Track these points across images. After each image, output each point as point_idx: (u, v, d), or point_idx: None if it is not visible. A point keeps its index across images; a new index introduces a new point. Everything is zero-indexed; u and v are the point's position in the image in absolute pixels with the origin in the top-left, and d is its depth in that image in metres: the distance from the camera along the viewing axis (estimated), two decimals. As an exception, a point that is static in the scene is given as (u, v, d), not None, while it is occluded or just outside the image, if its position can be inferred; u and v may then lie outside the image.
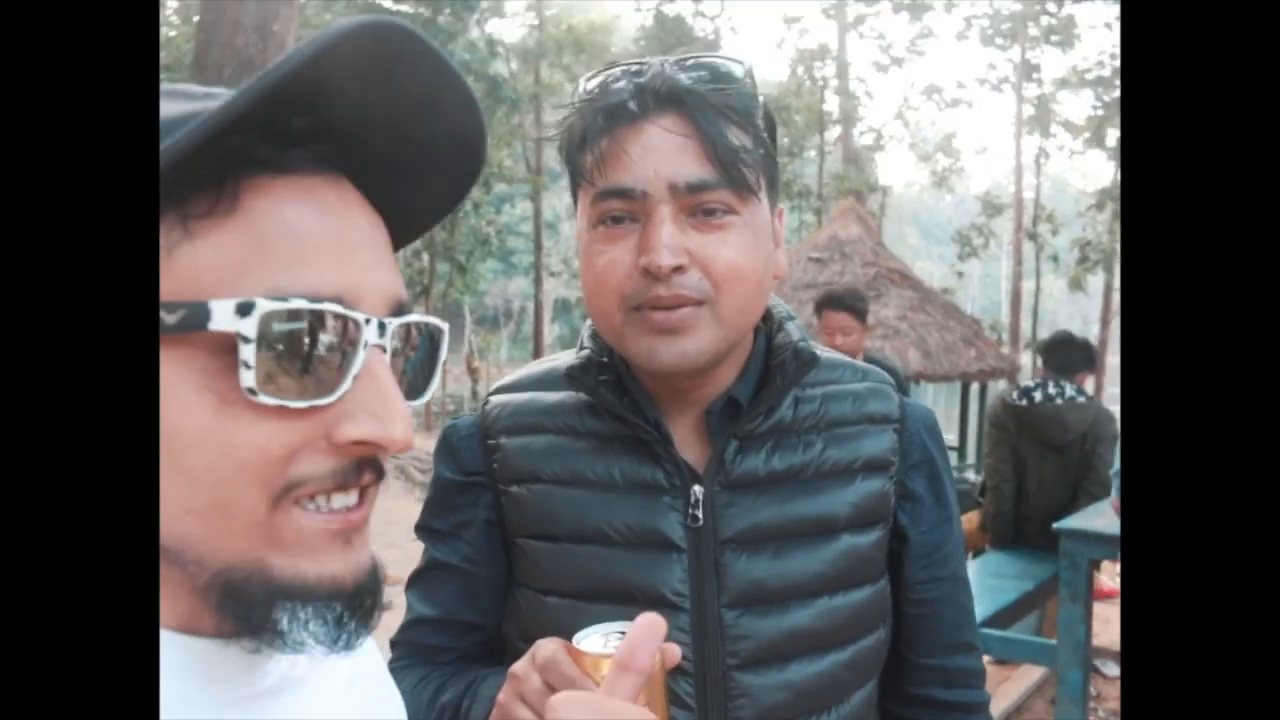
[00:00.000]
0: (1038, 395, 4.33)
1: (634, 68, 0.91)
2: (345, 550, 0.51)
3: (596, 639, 0.79)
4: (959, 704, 1.09)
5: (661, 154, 0.88)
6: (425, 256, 19.06)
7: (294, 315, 0.46)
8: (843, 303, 4.13)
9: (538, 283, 22.15)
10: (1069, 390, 4.31)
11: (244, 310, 0.45)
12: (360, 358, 0.48)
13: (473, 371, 26.31)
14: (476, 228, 19.91)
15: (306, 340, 0.47)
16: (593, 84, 0.93)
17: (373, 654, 0.72)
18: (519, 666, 0.81)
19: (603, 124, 0.89)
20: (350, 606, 0.50)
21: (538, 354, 21.87)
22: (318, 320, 0.47)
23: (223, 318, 0.45)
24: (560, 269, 24.31)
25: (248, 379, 0.45)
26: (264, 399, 0.46)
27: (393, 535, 8.12)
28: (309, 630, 0.49)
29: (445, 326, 0.58)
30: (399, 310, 0.52)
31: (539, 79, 19.66)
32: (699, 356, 0.90)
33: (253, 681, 0.54)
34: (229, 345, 0.45)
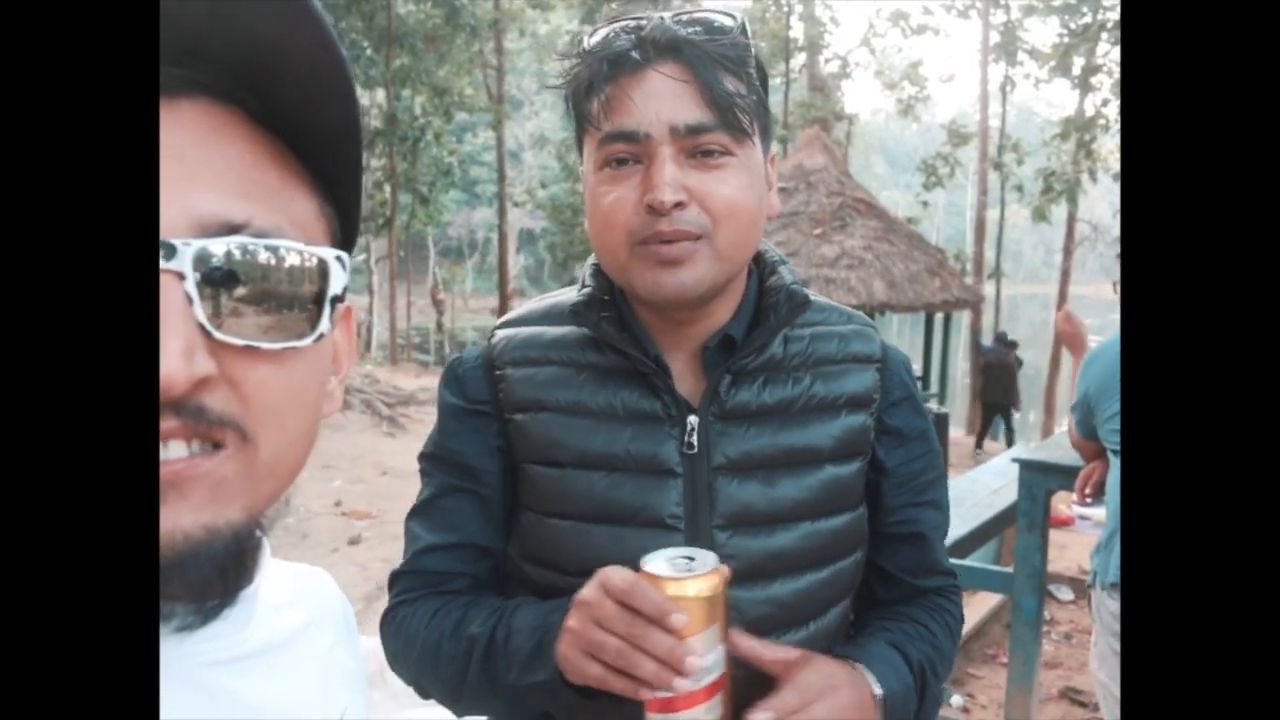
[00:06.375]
0: None
1: (634, 22, 0.98)
2: (165, 508, 0.45)
3: (662, 563, 0.86)
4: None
5: (663, 99, 0.94)
6: (387, 188, 18.74)
7: None
8: None
9: (501, 213, 21.88)
10: None
11: None
12: None
13: (438, 303, 26.11)
14: (438, 158, 19.59)
15: None
16: (596, 38, 0.99)
17: (349, 625, 0.72)
18: (588, 594, 0.89)
19: (608, 72, 0.96)
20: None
21: (503, 285, 21.69)
22: None
23: None
24: (524, 199, 24.02)
25: None
26: None
27: (360, 470, 8.07)
28: None
29: (330, 254, 0.50)
30: (226, 233, 0.46)
31: (498, 4, 19.15)
32: (697, 286, 0.97)
33: (234, 645, 0.54)
34: None
